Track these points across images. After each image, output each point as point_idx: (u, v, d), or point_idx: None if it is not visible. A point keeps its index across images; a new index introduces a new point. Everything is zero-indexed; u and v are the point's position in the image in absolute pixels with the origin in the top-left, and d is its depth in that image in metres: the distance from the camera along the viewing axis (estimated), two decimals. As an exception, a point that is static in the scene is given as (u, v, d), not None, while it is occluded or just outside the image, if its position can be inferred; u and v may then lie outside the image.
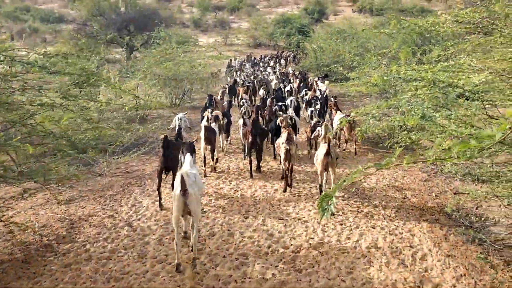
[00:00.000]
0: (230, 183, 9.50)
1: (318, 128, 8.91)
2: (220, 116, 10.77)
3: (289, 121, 9.44)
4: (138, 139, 12.52)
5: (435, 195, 8.59)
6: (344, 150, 11.99)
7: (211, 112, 10.47)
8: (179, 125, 9.58)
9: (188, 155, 6.67)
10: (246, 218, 7.64)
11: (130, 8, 36.88)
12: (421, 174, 9.88)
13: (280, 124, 9.45)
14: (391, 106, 6.07)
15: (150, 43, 23.64)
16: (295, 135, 10.00)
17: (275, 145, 9.76)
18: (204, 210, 7.93)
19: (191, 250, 6.02)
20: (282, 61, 30.65)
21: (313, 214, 7.74)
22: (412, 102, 5.50)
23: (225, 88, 17.46)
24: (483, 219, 7.08)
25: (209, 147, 9.58)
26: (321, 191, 8.26)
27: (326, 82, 16.13)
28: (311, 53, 28.81)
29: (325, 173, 8.04)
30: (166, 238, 6.87)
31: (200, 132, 9.79)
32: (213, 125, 10.08)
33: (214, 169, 10.16)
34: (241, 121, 11.23)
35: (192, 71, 19.23)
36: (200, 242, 6.59)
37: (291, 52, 36.58)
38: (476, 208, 7.68)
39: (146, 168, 10.63)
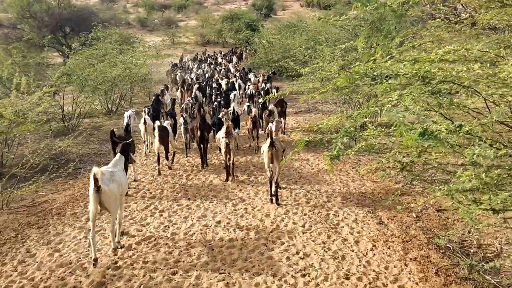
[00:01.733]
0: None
1: (270, 124, 9.48)
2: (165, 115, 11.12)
3: (230, 115, 10.11)
4: (56, 157, 10.44)
5: (416, 216, 6.95)
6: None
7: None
8: (127, 122, 10.02)
9: (118, 155, 6.77)
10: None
11: (64, 8, 34.12)
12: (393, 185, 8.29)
13: (222, 119, 9.86)
14: (368, 114, 4.31)
15: (88, 45, 21.45)
16: (238, 129, 11.21)
17: (216, 139, 9.96)
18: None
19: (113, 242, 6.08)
20: (234, 58, 28.98)
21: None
22: (400, 108, 3.76)
23: (167, 87, 17.44)
24: (482, 248, 5.47)
25: (163, 146, 9.71)
26: (270, 183, 8.12)
27: (274, 91, 13.98)
28: (260, 48, 27.43)
29: (272, 165, 7.89)
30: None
31: (154, 132, 9.75)
32: (165, 123, 10.25)
33: (169, 168, 10.24)
34: (181, 119, 11.42)
35: (127, 73, 17.13)
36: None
37: (243, 48, 34.87)
38: (469, 232, 6.08)
39: (57, 198, 8.47)
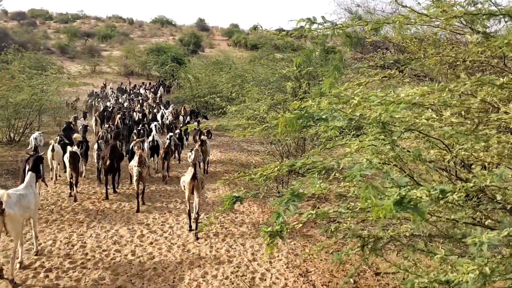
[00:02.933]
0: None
1: (189, 153, 9.25)
2: (79, 138, 11.02)
3: (146, 144, 11.11)
4: None
5: (354, 282, 6.01)
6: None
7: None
8: (35, 144, 9.74)
9: (29, 174, 6.76)
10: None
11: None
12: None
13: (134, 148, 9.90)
14: (321, 169, 3.27)
15: (-2, 67, 19.30)
16: (157, 156, 11.68)
17: (129, 167, 9.91)
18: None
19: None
20: (160, 91, 28.15)
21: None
22: (361, 163, 2.79)
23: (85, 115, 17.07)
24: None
25: (74, 173, 9.53)
26: (189, 215, 8.12)
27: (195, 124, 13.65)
28: (186, 83, 26.60)
29: (192, 196, 7.89)
30: None
31: (64, 157, 9.79)
32: (74, 149, 10.02)
33: (75, 198, 9.69)
34: (96, 146, 11.30)
35: (33, 99, 15.39)
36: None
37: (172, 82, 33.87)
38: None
39: None
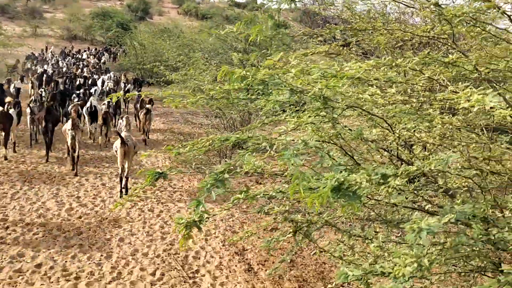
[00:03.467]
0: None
1: (120, 120, 9.69)
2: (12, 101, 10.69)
3: (84, 109, 11.12)
4: None
5: (290, 261, 5.83)
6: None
7: None
8: None
9: None
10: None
11: None
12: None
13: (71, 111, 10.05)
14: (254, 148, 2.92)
15: None
16: (96, 122, 11.55)
17: (62, 131, 9.60)
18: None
19: None
20: (105, 56, 27.15)
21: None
22: (297, 143, 2.50)
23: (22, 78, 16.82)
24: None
25: (3, 133, 9.40)
26: (121, 180, 8.19)
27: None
28: (131, 50, 25.56)
29: (124, 160, 8.03)
30: None
31: None
32: (11, 111, 9.81)
33: (5, 158, 9.61)
34: (28, 109, 10.92)
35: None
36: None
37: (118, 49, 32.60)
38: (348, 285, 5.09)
39: None
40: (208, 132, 11.40)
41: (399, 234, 4.05)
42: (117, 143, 8.09)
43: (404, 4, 4.32)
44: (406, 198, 2.95)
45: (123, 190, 8.04)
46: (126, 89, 15.94)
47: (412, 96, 3.20)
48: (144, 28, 32.14)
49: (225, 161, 8.97)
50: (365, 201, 2.85)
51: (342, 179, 1.94)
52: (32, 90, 15.26)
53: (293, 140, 2.86)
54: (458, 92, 2.32)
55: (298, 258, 6.01)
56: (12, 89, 13.82)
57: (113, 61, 29.50)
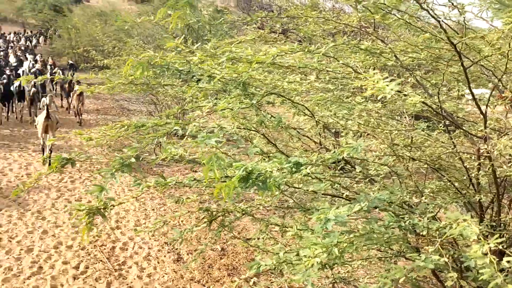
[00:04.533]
0: None
1: (43, 99, 9.92)
2: None
3: (13, 88, 11.69)
4: None
5: (221, 249, 5.77)
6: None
7: None
8: None
9: None
10: None
11: None
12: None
13: None
14: (161, 135, 2.77)
15: None
16: (23, 101, 12.44)
17: None
18: None
19: None
20: (34, 40, 27.16)
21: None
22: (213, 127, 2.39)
23: None
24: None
25: None
26: (43, 150, 9.13)
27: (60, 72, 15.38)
28: (65, 34, 24.50)
29: (46, 134, 8.70)
30: None
31: None
32: None
33: None
34: None
35: None
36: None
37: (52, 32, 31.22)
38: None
39: None
40: (143, 118, 11.12)
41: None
42: (41, 117, 8.78)
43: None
44: (325, 185, 2.95)
45: (45, 160, 8.43)
46: (53, 71, 15.57)
47: (331, 83, 3.19)
48: (79, 11, 30.84)
49: (154, 149, 8.77)
50: (283, 189, 2.83)
51: (251, 168, 1.87)
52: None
53: (208, 125, 2.79)
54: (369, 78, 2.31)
55: (229, 247, 5.97)
56: None
57: (44, 43, 28.36)
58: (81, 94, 12.26)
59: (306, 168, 2.18)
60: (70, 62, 19.23)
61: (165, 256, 5.59)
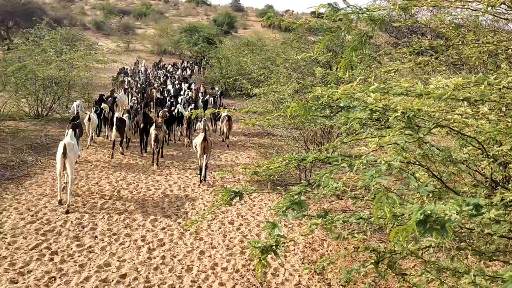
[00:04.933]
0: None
1: (198, 123, 11.48)
2: (107, 110, 12.85)
3: (167, 114, 12.32)
4: None
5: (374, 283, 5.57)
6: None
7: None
8: (77, 110, 11.48)
9: (70, 130, 8.57)
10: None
11: (9, 0, 31.61)
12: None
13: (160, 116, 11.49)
14: (332, 170, 2.81)
15: (32, 41, 19.38)
16: (181, 126, 13.90)
17: (150, 132, 11.22)
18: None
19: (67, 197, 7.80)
20: (195, 68, 30.94)
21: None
22: (379, 165, 2.36)
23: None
24: None
25: (119, 134, 11.36)
26: (200, 170, 9.78)
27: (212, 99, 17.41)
28: (216, 64, 26.28)
29: (203, 155, 9.56)
30: None
31: (112, 123, 11.67)
32: (124, 116, 11.95)
33: (121, 153, 11.84)
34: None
35: (62, 75, 15.39)
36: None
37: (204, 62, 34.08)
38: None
39: None
40: (289, 145, 11.37)
41: (493, 270, 3.69)
42: (198, 140, 9.69)
43: (498, 17, 4.01)
44: (503, 227, 2.68)
45: (203, 179, 9.59)
46: (204, 99, 17.33)
47: (508, 115, 2.91)
48: (228, 42, 32.97)
49: (304, 176, 8.84)
50: (455, 230, 2.63)
51: (429, 211, 1.77)
52: (128, 99, 16.70)
53: (374, 161, 2.71)
54: None
55: (381, 281, 5.74)
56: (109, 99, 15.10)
57: (201, 74, 31.04)
58: (229, 119, 13.38)
59: (488, 212, 2.01)
60: (220, 90, 20.44)
61: (315, 286, 5.57)
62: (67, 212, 7.49)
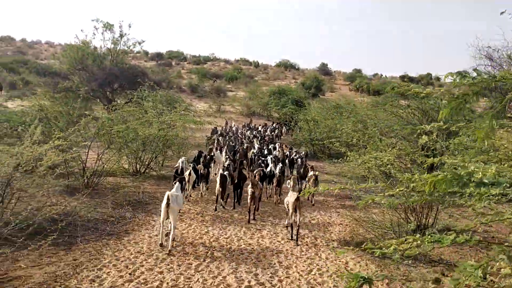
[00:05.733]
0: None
1: (288, 180, 11.51)
2: (202, 169, 14.14)
3: (261, 172, 13.38)
4: (58, 218, 8.99)
5: None
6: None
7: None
8: (182, 166, 13.47)
9: (177, 184, 9.99)
10: None
11: (116, 64, 34.49)
12: None
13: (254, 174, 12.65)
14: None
15: (133, 102, 20.93)
16: (272, 184, 14.40)
17: (248, 189, 11.91)
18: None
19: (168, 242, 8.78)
20: (284, 129, 32.29)
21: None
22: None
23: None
24: None
25: (221, 189, 12.41)
26: (292, 228, 10.13)
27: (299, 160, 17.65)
28: (304, 125, 26.43)
29: (295, 213, 9.91)
30: None
31: (217, 178, 12.79)
32: (225, 173, 12.95)
33: (223, 206, 12.84)
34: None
35: (161, 134, 16.23)
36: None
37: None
38: None
39: (34, 275, 6.86)
40: (383, 212, 10.75)
41: None
42: (290, 199, 10.15)
43: None
44: None
45: (294, 237, 9.92)
46: (290, 158, 18.25)
47: None
48: (316, 105, 33.21)
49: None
50: None
51: None
52: (224, 158, 17.28)
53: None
54: None
55: None
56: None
57: (288, 135, 31.86)
58: (316, 178, 13.93)
59: None
60: (306, 152, 20.39)
61: None
62: (169, 253, 8.48)
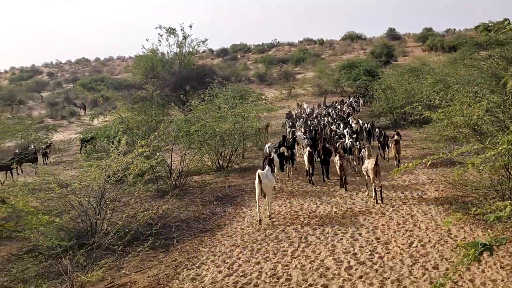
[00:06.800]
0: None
1: (363, 150, 12.93)
2: (285, 152, 14.45)
3: (344, 145, 14.33)
4: (152, 222, 9.31)
5: None
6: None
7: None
8: (269, 151, 14.28)
9: (267, 166, 11.07)
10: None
11: (185, 67, 35.28)
12: None
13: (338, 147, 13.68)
14: None
15: (206, 101, 21.35)
16: (350, 155, 14.59)
17: (334, 161, 12.91)
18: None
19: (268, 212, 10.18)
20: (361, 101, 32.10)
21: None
22: None
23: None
24: None
25: (311, 166, 13.44)
26: (375, 191, 10.71)
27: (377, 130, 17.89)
28: (381, 95, 25.38)
29: (375, 178, 10.44)
30: None
31: (304, 156, 13.70)
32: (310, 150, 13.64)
33: (312, 183, 13.55)
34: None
35: (237, 128, 16.32)
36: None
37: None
38: None
39: (138, 280, 7.12)
40: (481, 172, 9.96)
41: None
42: (369, 165, 10.81)
43: None
44: None
45: (378, 199, 10.57)
46: (363, 129, 18.91)
47: None
48: (390, 71, 31.81)
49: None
50: None
51: None
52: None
53: None
54: None
55: None
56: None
57: (365, 107, 31.35)
58: (397, 142, 14.16)
59: None
60: (372, 121, 20.33)
61: None
62: (270, 217, 10.00)
